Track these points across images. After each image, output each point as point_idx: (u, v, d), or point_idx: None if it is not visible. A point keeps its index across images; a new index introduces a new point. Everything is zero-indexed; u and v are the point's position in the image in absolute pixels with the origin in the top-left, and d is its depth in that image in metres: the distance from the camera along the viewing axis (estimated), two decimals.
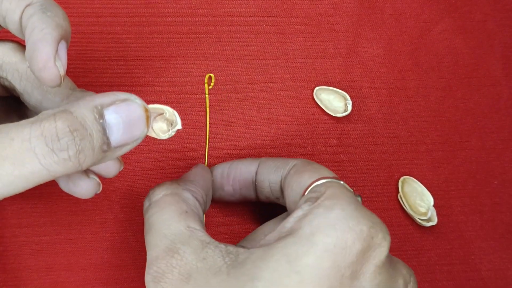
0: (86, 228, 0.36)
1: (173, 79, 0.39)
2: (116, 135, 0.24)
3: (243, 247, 0.27)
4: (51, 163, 0.22)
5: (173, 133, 0.27)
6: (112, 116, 0.23)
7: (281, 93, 0.40)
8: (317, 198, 0.27)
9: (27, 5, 0.26)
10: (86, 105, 0.23)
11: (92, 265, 0.35)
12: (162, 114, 0.27)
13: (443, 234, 0.40)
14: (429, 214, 0.39)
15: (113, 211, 0.36)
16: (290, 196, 0.30)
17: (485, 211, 0.41)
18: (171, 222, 0.28)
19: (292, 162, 0.32)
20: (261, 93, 0.40)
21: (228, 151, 0.38)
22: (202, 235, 0.28)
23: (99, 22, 0.38)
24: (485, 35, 0.43)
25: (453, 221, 0.40)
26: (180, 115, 0.27)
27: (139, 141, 0.25)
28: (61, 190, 0.35)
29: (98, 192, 0.29)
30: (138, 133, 0.25)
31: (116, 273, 0.35)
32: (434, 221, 0.38)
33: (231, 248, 0.27)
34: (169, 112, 0.27)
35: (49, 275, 0.35)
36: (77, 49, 0.38)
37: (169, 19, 0.39)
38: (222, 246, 0.27)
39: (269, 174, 0.33)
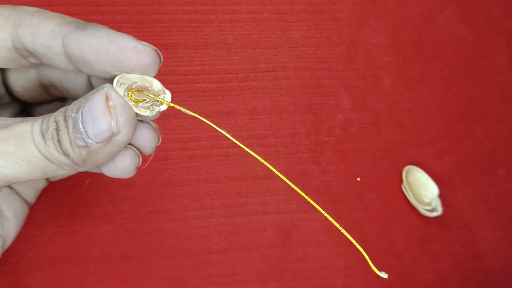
0: (87, 220, 0.35)
1: (174, 68, 0.38)
2: (89, 129, 0.23)
3: None
4: (46, 150, 0.23)
5: (157, 114, 0.24)
6: (85, 109, 0.23)
7: (284, 82, 0.39)
8: None
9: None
10: (78, 100, 0.23)
11: (94, 258, 0.35)
12: (146, 86, 0.24)
13: (447, 224, 0.39)
14: (433, 204, 0.38)
15: (114, 203, 0.36)
16: None
17: (489, 201, 0.40)
18: None
19: None
20: (263, 82, 0.39)
21: (230, 141, 0.38)
22: None
23: (99, 11, 0.38)
24: (490, 23, 0.43)
25: (457, 210, 0.40)
26: (181, 103, 0.25)
27: (119, 138, 0.23)
28: (63, 182, 0.35)
29: (139, 165, 0.26)
30: (104, 125, 0.22)
31: (118, 265, 0.35)
32: (439, 211, 0.38)
33: None
34: (157, 87, 0.24)
35: (50, 267, 0.34)
36: None
37: (170, 7, 0.39)
38: None
39: None
